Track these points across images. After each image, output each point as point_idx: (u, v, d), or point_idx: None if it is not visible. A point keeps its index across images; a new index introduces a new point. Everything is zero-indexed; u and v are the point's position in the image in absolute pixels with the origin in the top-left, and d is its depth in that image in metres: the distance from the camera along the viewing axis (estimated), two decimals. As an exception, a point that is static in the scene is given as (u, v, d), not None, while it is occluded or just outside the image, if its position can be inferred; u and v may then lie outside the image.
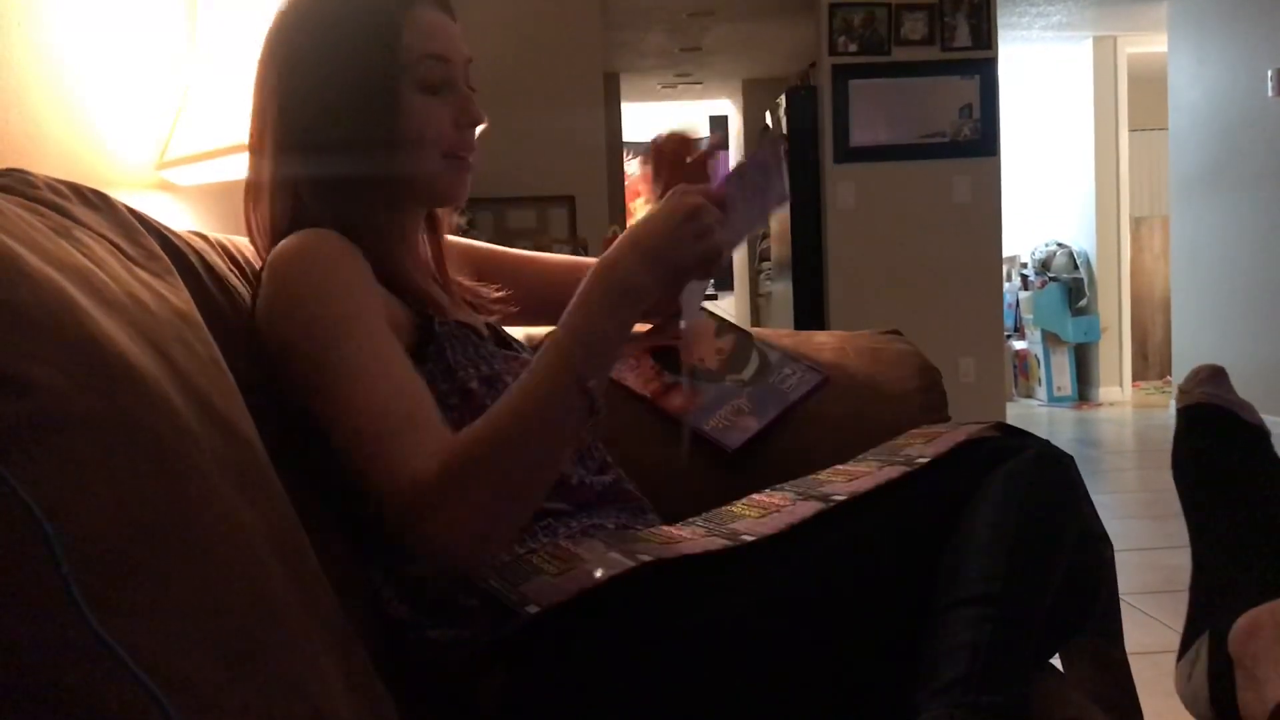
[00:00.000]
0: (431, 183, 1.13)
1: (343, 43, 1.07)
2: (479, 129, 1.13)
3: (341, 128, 1.07)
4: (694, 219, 0.95)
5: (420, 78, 1.08)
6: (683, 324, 1.06)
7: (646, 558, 0.96)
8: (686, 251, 0.96)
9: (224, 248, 1.19)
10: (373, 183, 1.09)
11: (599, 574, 0.96)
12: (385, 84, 1.06)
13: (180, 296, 0.92)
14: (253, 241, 1.17)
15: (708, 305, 1.27)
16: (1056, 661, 1.17)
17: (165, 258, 0.97)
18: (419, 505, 0.89)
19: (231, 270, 1.17)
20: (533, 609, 0.94)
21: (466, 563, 0.94)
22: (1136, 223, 7.90)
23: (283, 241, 1.05)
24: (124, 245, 0.90)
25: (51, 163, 1.23)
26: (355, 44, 1.07)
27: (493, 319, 1.28)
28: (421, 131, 1.08)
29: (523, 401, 0.91)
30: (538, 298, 1.35)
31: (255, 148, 1.12)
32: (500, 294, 1.31)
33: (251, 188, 1.14)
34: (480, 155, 1.15)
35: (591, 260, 1.09)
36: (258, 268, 1.16)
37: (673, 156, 1.20)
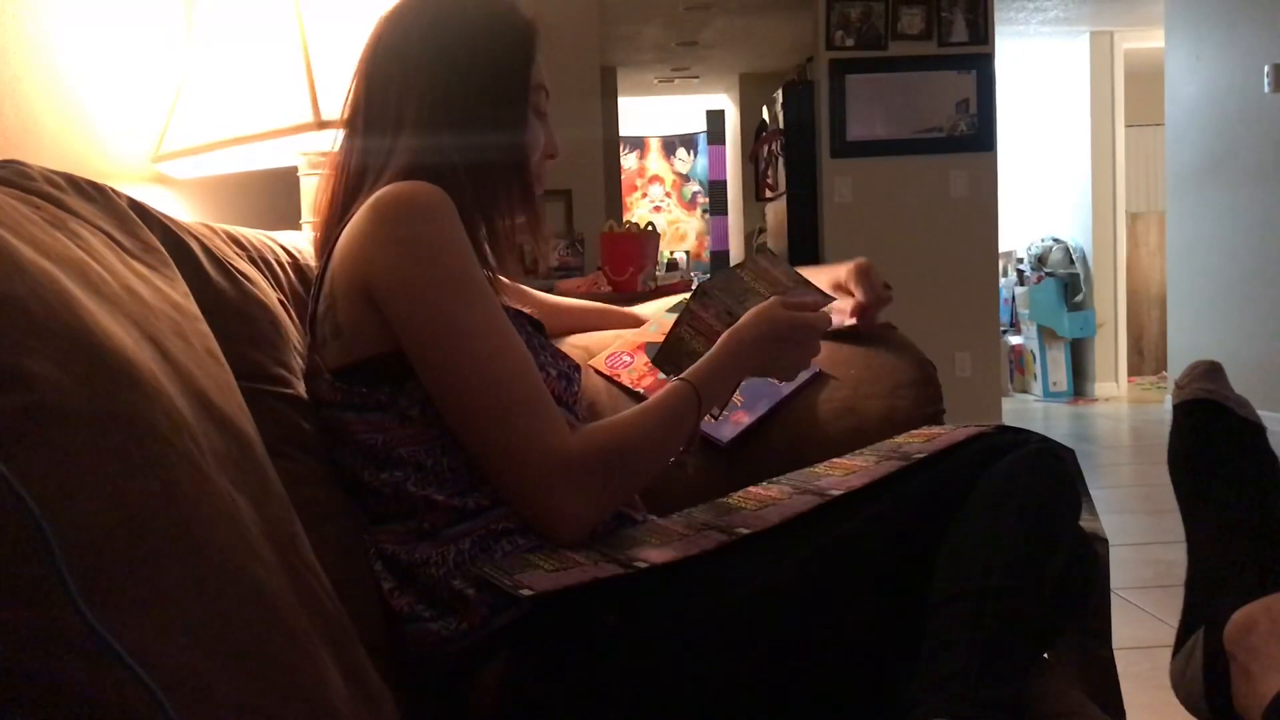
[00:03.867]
0: (521, 189, 1.20)
1: (495, 50, 1.17)
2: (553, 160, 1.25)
3: (483, 125, 1.15)
4: (812, 344, 1.22)
5: (535, 103, 1.20)
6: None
7: (642, 564, 0.97)
8: (796, 364, 1.22)
9: (230, 236, 1.19)
10: (494, 172, 1.16)
11: (593, 574, 0.96)
12: (522, 96, 1.18)
13: (177, 289, 0.92)
14: (327, 224, 1.20)
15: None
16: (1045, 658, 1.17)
17: (162, 249, 0.96)
18: (566, 481, 1.03)
19: (239, 255, 1.16)
20: (527, 592, 0.94)
21: (585, 534, 1.05)
22: (1133, 218, 7.91)
23: (395, 186, 1.08)
24: (120, 237, 0.90)
25: (46, 156, 1.22)
26: (505, 55, 1.17)
27: None
28: (529, 146, 1.20)
29: (657, 421, 1.10)
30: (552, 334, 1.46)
31: (382, 124, 1.16)
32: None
33: (362, 165, 1.17)
34: None
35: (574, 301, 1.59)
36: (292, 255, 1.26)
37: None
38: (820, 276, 1.41)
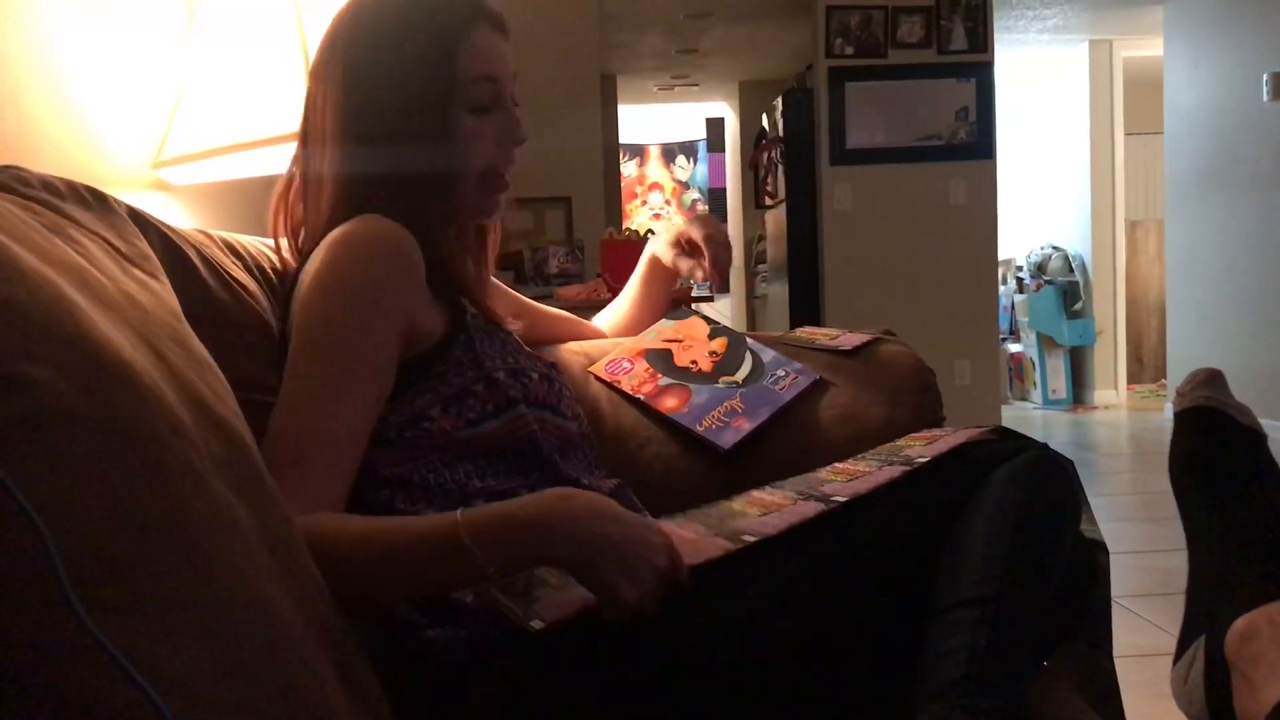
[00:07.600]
0: (463, 200, 1.18)
1: (405, 58, 1.11)
2: (519, 147, 1.19)
3: (396, 138, 1.12)
4: (670, 575, 0.91)
5: (472, 99, 1.13)
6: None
7: None
8: (632, 581, 0.88)
9: (227, 244, 1.19)
10: (417, 188, 1.13)
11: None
12: (439, 103, 1.12)
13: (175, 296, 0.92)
14: (277, 233, 1.21)
15: (701, 307, 1.31)
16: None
17: (155, 258, 0.96)
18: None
19: (236, 264, 1.16)
20: (538, 624, 0.93)
21: None
22: (1132, 226, 7.91)
23: (350, 224, 1.08)
24: (118, 244, 0.90)
25: (46, 162, 1.22)
26: (415, 60, 1.11)
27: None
28: (465, 152, 1.14)
29: (385, 552, 0.91)
30: (533, 338, 1.45)
31: (314, 138, 1.16)
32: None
33: (302, 178, 1.17)
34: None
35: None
36: (281, 261, 1.25)
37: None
38: (661, 239, 1.48)
